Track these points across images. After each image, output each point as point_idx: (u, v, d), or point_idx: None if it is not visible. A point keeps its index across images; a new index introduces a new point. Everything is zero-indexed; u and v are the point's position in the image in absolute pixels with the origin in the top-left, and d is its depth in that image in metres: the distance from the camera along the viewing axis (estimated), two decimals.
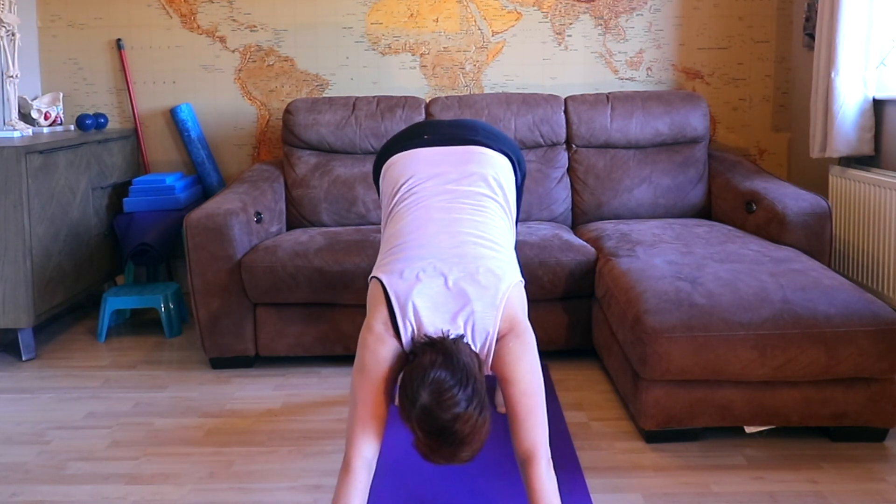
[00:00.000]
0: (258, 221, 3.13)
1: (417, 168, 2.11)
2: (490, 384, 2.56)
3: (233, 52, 3.89)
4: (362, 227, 3.30)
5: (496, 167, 2.13)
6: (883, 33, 3.13)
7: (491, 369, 1.83)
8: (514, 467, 2.18)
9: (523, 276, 2.14)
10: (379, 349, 1.75)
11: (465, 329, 1.76)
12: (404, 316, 1.76)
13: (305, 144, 3.54)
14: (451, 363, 1.63)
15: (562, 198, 3.47)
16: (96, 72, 3.93)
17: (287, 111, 3.55)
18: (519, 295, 1.87)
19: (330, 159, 3.52)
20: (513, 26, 3.85)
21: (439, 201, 2.01)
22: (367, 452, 1.72)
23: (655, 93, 3.58)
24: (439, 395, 1.58)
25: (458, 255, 1.85)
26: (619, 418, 2.51)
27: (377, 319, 1.79)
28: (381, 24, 3.86)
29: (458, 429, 1.58)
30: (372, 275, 1.90)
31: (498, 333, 1.79)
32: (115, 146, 3.70)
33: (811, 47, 3.58)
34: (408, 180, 2.09)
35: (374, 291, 1.85)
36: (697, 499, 2.03)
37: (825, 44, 3.20)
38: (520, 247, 2.91)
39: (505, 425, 2.42)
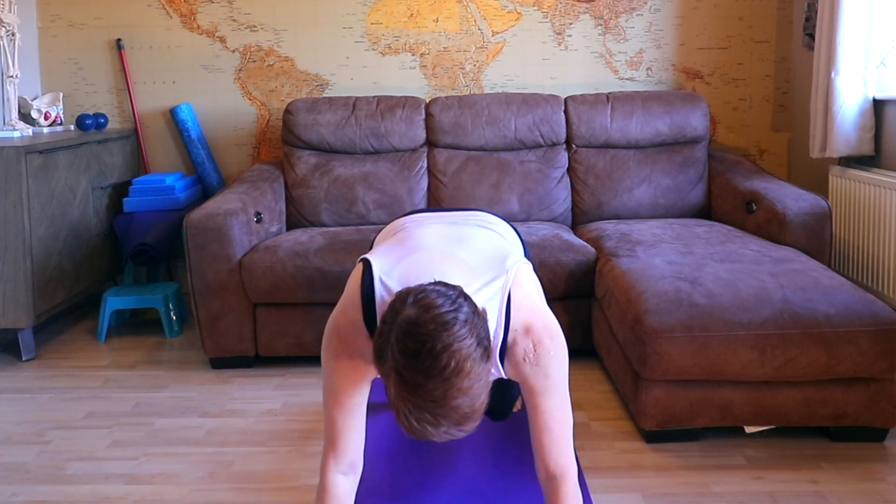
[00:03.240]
0: (258, 221, 3.13)
1: (416, 216, 1.91)
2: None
3: (233, 52, 3.89)
4: (362, 227, 3.30)
5: (500, 226, 1.91)
6: (883, 33, 3.13)
7: (515, 371, 1.57)
8: (514, 468, 2.17)
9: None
10: (351, 350, 1.55)
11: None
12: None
13: (305, 144, 3.54)
14: (442, 286, 1.38)
15: (562, 198, 3.47)
16: (96, 72, 3.93)
17: (287, 111, 3.55)
18: (528, 272, 1.66)
19: (330, 159, 3.52)
20: (513, 26, 3.85)
21: (440, 225, 1.81)
22: (342, 467, 1.58)
23: (655, 93, 3.58)
24: (426, 306, 1.32)
25: (457, 236, 1.68)
26: (619, 418, 2.51)
27: (350, 315, 1.55)
28: (381, 24, 3.86)
29: (447, 344, 1.28)
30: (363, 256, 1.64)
31: (510, 309, 1.53)
32: (115, 146, 3.70)
33: (811, 47, 3.58)
34: (405, 223, 1.86)
35: (355, 280, 1.60)
36: (697, 499, 2.03)
37: (825, 44, 3.20)
38: None
39: (500, 425, 2.43)
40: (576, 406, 2.60)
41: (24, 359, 3.13)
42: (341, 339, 1.56)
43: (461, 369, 1.28)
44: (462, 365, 1.28)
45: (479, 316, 1.37)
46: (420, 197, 3.47)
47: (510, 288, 1.55)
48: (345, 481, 1.58)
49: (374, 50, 3.87)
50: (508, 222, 2.02)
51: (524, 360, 1.54)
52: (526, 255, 1.96)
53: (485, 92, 3.88)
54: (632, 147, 3.53)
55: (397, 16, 3.85)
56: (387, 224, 2.08)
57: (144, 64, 3.91)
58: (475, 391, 1.31)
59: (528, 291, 1.58)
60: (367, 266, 1.57)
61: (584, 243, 3.00)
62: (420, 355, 1.28)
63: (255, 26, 3.87)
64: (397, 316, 1.33)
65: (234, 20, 3.87)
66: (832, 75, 3.14)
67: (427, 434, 1.32)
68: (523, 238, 2.04)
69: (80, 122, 3.62)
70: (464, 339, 1.30)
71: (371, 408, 2.57)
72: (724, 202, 3.35)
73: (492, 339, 1.46)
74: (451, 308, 1.32)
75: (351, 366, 1.55)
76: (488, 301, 1.52)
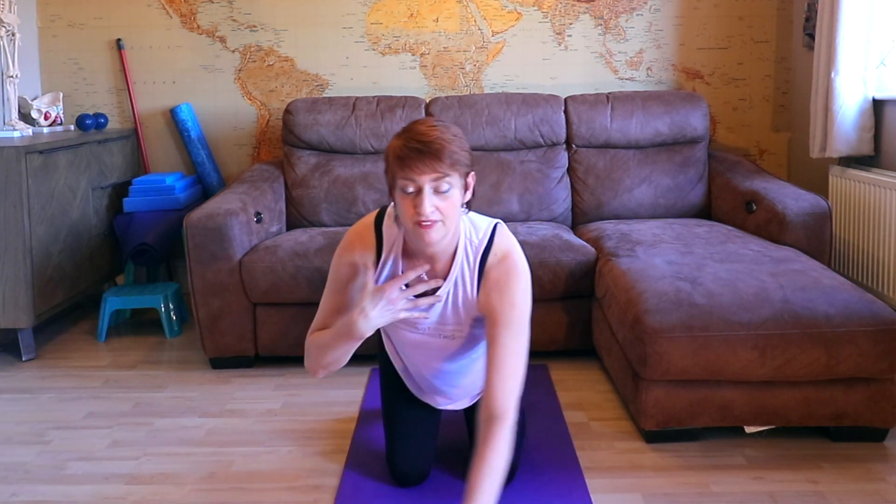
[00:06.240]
0: (258, 221, 3.13)
1: None
2: None
3: (233, 52, 3.89)
4: None
5: None
6: (883, 33, 3.13)
7: (486, 298, 1.79)
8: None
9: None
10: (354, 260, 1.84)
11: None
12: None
13: (305, 144, 3.54)
14: None
15: (562, 198, 3.47)
16: (96, 72, 3.93)
17: (287, 111, 3.55)
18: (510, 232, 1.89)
19: (330, 159, 3.52)
20: (513, 26, 3.85)
21: None
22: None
23: (655, 93, 3.58)
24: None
25: None
26: (619, 418, 2.51)
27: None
28: (381, 24, 3.86)
29: (440, 122, 1.71)
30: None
31: (489, 242, 1.81)
32: (115, 146, 3.70)
33: (811, 47, 3.58)
34: None
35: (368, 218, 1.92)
36: (697, 499, 2.03)
37: (825, 44, 3.20)
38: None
39: None
40: (576, 406, 2.60)
41: (24, 359, 3.13)
42: (351, 238, 1.86)
43: (450, 128, 1.70)
44: (452, 130, 1.69)
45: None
46: None
47: (498, 223, 1.85)
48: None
49: (374, 50, 3.87)
50: None
51: (496, 283, 1.77)
52: None
53: (485, 92, 3.88)
54: (632, 147, 3.53)
55: (397, 16, 3.85)
56: None
57: (144, 64, 3.91)
58: (459, 143, 1.68)
59: (513, 238, 1.84)
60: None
61: (584, 243, 3.00)
62: (419, 120, 1.72)
63: (255, 26, 3.87)
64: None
65: (234, 20, 3.87)
66: (832, 75, 3.14)
67: (411, 160, 1.63)
68: None
69: (80, 122, 3.61)
70: (455, 130, 1.71)
71: (373, 414, 2.57)
72: (724, 202, 3.35)
73: (477, 239, 1.81)
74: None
75: (351, 266, 1.84)
76: (480, 219, 1.85)
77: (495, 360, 1.72)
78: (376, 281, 1.82)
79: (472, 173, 1.76)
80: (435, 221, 1.67)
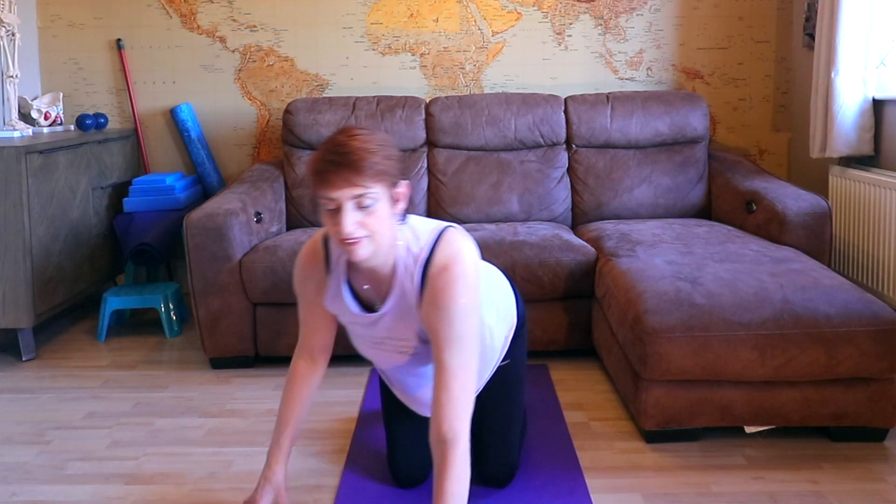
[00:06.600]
0: (258, 221, 3.13)
1: None
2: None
3: (233, 52, 3.89)
4: None
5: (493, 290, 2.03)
6: (883, 33, 3.13)
7: (426, 313, 1.67)
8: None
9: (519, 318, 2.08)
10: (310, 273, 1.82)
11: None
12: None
13: (305, 144, 3.54)
14: None
15: (562, 198, 3.47)
16: (96, 72, 3.93)
17: (287, 111, 3.55)
18: (473, 250, 1.71)
19: None
20: (513, 26, 3.85)
21: None
22: (303, 353, 1.90)
23: (655, 93, 3.58)
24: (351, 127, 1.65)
25: None
26: (619, 418, 2.51)
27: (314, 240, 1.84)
28: (381, 24, 3.86)
29: (367, 129, 1.61)
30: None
31: (431, 252, 1.66)
32: (115, 146, 3.70)
33: (811, 47, 3.58)
34: None
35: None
36: (697, 499, 2.03)
37: (825, 44, 3.20)
38: (520, 247, 2.91)
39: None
40: (576, 406, 2.60)
41: (24, 359, 3.13)
42: (302, 256, 1.83)
43: (375, 135, 1.58)
44: (378, 139, 1.58)
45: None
46: (420, 197, 3.47)
47: (447, 228, 1.71)
48: (303, 365, 1.90)
49: (374, 50, 3.87)
50: (506, 274, 2.18)
51: (434, 298, 1.64)
52: (520, 312, 2.09)
53: (485, 92, 3.88)
54: (632, 147, 3.53)
55: (397, 16, 3.85)
56: None
57: (144, 64, 3.91)
58: (384, 152, 1.57)
59: (462, 244, 1.67)
60: None
61: (584, 243, 3.00)
62: (344, 128, 1.61)
63: (255, 26, 3.87)
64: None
65: (234, 20, 3.87)
66: (832, 75, 3.14)
67: (328, 174, 1.53)
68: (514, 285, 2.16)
69: (80, 122, 3.61)
70: (380, 138, 1.59)
71: (373, 414, 2.57)
72: (724, 202, 3.35)
73: (418, 248, 1.67)
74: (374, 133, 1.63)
75: (307, 288, 1.84)
76: (426, 223, 1.72)
77: (439, 383, 1.62)
78: (324, 295, 1.82)
79: (406, 182, 1.64)
80: (360, 238, 1.56)
